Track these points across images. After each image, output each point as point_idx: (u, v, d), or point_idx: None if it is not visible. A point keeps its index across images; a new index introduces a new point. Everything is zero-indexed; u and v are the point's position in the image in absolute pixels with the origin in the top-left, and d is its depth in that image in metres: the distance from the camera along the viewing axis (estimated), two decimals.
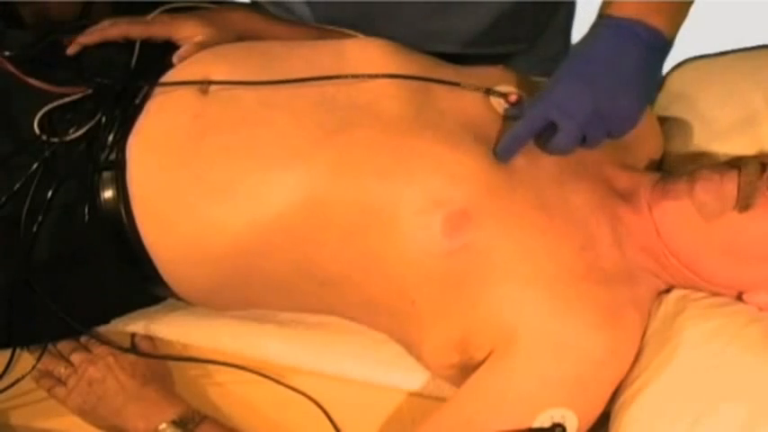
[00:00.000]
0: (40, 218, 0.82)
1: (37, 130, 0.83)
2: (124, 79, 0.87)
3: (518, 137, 0.78)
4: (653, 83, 0.78)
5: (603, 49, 0.75)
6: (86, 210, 0.83)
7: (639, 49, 0.75)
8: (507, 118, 0.83)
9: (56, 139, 0.83)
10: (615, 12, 0.75)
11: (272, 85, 0.81)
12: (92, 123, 0.84)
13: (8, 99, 0.86)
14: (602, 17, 0.77)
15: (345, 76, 0.81)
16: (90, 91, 0.85)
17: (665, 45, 0.76)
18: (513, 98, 0.83)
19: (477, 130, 0.81)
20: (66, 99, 0.84)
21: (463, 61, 0.92)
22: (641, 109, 0.77)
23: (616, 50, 0.75)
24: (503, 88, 0.84)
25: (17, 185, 0.82)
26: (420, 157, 0.77)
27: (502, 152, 0.79)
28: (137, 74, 0.88)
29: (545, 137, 0.78)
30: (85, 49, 0.88)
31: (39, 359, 0.87)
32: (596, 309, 0.76)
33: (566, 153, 0.77)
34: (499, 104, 0.84)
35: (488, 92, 0.84)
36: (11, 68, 0.84)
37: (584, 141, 0.76)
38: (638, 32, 0.74)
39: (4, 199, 0.81)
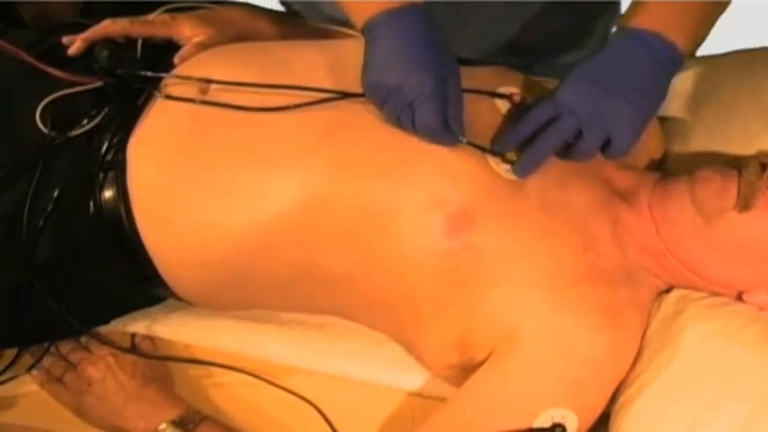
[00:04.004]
0: (42, 218, 0.82)
1: (38, 121, 0.83)
2: (139, 72, 0.86)
3: (518, 133, 0.77)
4: (660, 96, 0.78)
5: (615, 55, 0.76)
6: (87, 210, 0.83)
7: (650, 61, 0.75)
8: (511, 119, 0.82)
9: (60, 134, 0.83)
10: (633, 24, 0.76)
11: (273, 89, 0.80)
12: (100, 117, 0.84)
13: (10, 98, 0.86)
14: (621, 29, 0.77)
15: (344, 95, 0.79)
16: (101, 83, 0.85)
17: (678, 60, 0.76)
18: (516, 99, 0.83)
19: (480, 130, 0.80)
20: (76, 89, 0.84)
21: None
22: (644, 119, 0.76)
23: (627, 58, 0.75)
24: (506, 89, 0.84)
25: (19, 183, 0.82)
26: (421, 157, 0.77)
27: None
28: (146, 70, 0.88)
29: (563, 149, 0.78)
30: (90, 48, 0.88)
31: (39, 359, 0.87)
32: (597, 309, 0.76)
33: (577, 158, 0.77)
34: (503, 105, 0.84)
35: (492, 94, 0.83)
36: (30, 59, 0.84)
37: (579, 136, 0.76)
38: (651, 44, 0.75)
39: (8, 196, 0.81)
